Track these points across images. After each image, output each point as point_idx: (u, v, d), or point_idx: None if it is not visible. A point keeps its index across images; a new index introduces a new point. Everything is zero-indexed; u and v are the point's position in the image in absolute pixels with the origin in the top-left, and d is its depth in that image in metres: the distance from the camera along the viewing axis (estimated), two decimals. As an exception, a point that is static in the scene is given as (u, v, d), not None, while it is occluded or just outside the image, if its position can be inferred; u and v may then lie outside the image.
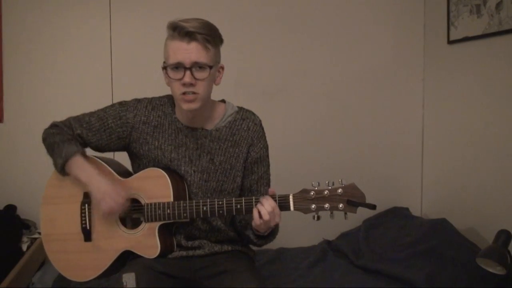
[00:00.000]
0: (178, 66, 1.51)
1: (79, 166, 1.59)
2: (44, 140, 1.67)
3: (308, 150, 2.74)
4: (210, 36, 1.51)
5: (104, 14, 2.58)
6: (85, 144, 1.68)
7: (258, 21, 2.68)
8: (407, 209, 2.73)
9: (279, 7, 2.69)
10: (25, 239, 2.43)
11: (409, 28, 2.77)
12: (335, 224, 2.66)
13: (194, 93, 1.52)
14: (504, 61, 2.15)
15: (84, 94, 2.59)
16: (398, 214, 2.65)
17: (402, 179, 2.83)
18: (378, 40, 2.77)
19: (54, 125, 1.68)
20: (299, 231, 2.70)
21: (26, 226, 2.48)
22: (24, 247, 2.39)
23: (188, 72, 1.50)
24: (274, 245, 2.58)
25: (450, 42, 2.50)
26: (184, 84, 1.50)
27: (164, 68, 1.56)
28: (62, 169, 1.60)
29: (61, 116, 2.51)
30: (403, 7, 2.76)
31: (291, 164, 2.66)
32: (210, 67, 1.52)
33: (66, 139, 1.62)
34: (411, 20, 2.77)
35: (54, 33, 2.58)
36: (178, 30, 1.48)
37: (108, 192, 1.54)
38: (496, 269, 1.75)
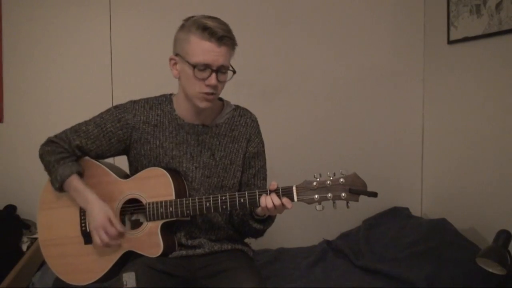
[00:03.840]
0: (205, 67, 1.52)
1: (75, 189, 1.60)
2: (41, 156, 1.67)
3: (308, 150, 2.74)
4: (234, 41, 1.57)
5: (104, 14, 2.58)
6: (84, 154, 1.68)
7: (258, 21, 2.68)
8: (407, 209, 2.73)
9: (279, 7, 2.69)
10: (25, 239, 2.42)
11: (409, 28, 2.77)
12: (335, 224, 2.69)
13: (213, 93, 1.56)
14: (504, 61, 2.15)
15: (84, 94, 2.59)
16: (398, 214, 2.66)
17: (402, 179, 2.83)
18: (378, 40, 2.77)
19: (50, 141, 1.67)
20: (299, 231, 2.71)
21: (26, 226, 2.47)
22: (24, 247, 2.39)
23: (214, 75, 1.53)
24: (274, 245, 2.60)
25: (450, 42, 2.50)
26: (208, 85, 1.53)
27: (175, 61, 1.59)
28: (60, 190, 1.63)
29: (61, 116, 2.54)
30: (403, 7, 2.76)
31: (290, 164, 2.66)
32: (232, 71, 1.58)
33: (61, 158, 1.62)
34: (411, 20, 2.77)
35: (54, 33, 2.58)
36: (210, 32, 1.50)
37: (103, 224, 1.55)
38: (496, 269, 1.75)
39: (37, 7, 2.56)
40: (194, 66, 1.52)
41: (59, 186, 1.61)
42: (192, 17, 1.57)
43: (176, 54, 1.59)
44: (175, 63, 1.60)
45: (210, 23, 1.51)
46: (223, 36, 1.51)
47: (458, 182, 2.50)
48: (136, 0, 2.62)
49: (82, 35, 2.59)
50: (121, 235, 1.57)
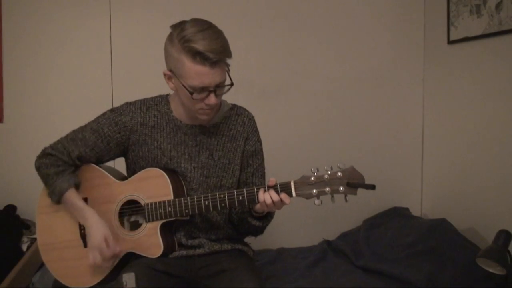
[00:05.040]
0: (202, 89, 1.50)
1: (72, 205, 1.61)
2: (38, 169, 1.66)
3: (308, 150, 2.74)
4: (229, 57, 1.51)
5: (104, 14, 2.58)
6: (85, 162, 1.67)
7: (257, 21, 2.68)
8: (407, 209, 2.73)
9: (278, 7, 2.69)
10: (25, 239, 2.42)
11: (409, 28, 2.77)
12: (335, 224, 2.69)
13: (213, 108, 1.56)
14: (504, 61, 2.15)
15: (84, 94, 2.59)
16: (398, 214, 2.65)
17: (402, 179, 2.83)
18: (378, 40, 2.77)
19: (47, 154, 1.65)
20: (299, 231, 2.71)
21: (26, 226, 2.47)
22: (24, 247, 2.39)
23: (212, 94, 1.51)
24: (274, 245, 2.60)
25: (450, 42, 2.50)
26: (208, 104, 1.52)
27: (169, 76, 1.56)
28: (58, 203, 1.63)
29: (60, 116, 2.54)
30: (403, 7, 2.76)
31: (290, 164, 2.63)
32: (229, 85, 1.55)
33: (60, 171, 1.62)
34: (411, 20, 2.76)
35: (54, 33, 2.58)
36: (202, 58, 1.44)
37: (99, 246, 1.55)
38: (496, 269, 1.75)
39: (37, 7, 2.56)
40: (191, 92, 1.50)
41: (57, 200, 1.62)
42: (181, 28, 1.48)
43: (170, 70, 1.55)
44: (170, 77, 1.57)
45: (200, 47, 1.43)
46: (216, 61, 1.46)
47: (458, 182, 2.50)
48: (136, 0, 2.62)
49: (82, 35, 2.59)
50: (115, 256, 1.57)
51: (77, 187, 1.63)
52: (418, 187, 2.83)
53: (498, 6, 2.14)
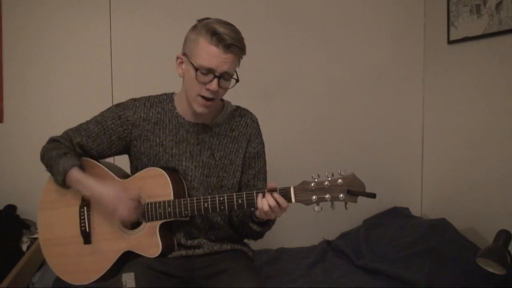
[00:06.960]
0: (208, 71, 1.52)
1: (79, 180, 1.59)
2: (42, 157, 1.67)
3: (307, 150, 2.74)
4: (243, 51, 1.57)
5: (104, 14, 2.58)
6: (86, 153, 1.68)
7: (257, 21, 2.68)
8: (407, 209, 2.73)
9: (279, 7, 2.69)
10: (25, 239, 2.42)
11: (409, 28, 2.77)
12: (335, 224, 2.69)
13: (212, 98, 1.56)
14: (504, 61, 2.15)
15: (84, 94, 2.59)
16: (398, 214, 2.66)
17: (402, 179, 2.83)
18: (378, 40, 2.77)
19: (51, 140, 1.69)
20: (299, 231, 2.71)
21: (26, 226, 2.47)
22: (24, 247, 2.39)
23: (216, 80, 1.53)
24: (274, 245, 2.60)
25: (450, 42, 2.50)
26: (208, 89, 1.54)
27: (181, 60, 1.60)
28: (63, 184, 1.62)
29: (61, 116, 2.55)
30: (403, 7, 2.76)
31: (290, 164, 2.66)
32: (235, 80, 1.58)
33: (63, 153, 1.62)
34: (411, 20, 2.77)
35: (54, 33, 2.57)
36: (218, 38, 1.50)
37: (120, 197, 1.55)
38: (496, 269, 1.75)
39: (37, 7, 2.55)
40: (197, 69, 1.52)
41: (62, 179, 1.60)
42: (206, 19, 1.56)
43: (184, 54, 1.60)
44: (181, 62, 1.61)
45: (221, 29, 1.50)
46: (231, 44, 1.51)
47: (458, 182, 2.50)
48: (136, 0, 2.62)
49: (82, 35, 2.59)
50: (137, 200, 1.58)
51: (81, 169, 1.62)
52: (418, 187, 2.83)
53: (498, 6, 2.14)
